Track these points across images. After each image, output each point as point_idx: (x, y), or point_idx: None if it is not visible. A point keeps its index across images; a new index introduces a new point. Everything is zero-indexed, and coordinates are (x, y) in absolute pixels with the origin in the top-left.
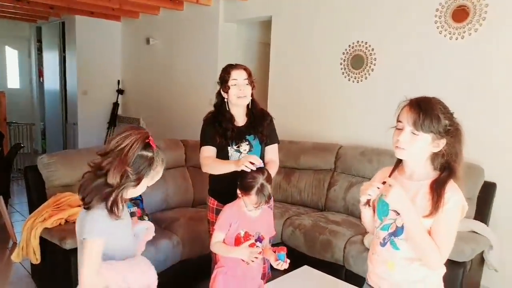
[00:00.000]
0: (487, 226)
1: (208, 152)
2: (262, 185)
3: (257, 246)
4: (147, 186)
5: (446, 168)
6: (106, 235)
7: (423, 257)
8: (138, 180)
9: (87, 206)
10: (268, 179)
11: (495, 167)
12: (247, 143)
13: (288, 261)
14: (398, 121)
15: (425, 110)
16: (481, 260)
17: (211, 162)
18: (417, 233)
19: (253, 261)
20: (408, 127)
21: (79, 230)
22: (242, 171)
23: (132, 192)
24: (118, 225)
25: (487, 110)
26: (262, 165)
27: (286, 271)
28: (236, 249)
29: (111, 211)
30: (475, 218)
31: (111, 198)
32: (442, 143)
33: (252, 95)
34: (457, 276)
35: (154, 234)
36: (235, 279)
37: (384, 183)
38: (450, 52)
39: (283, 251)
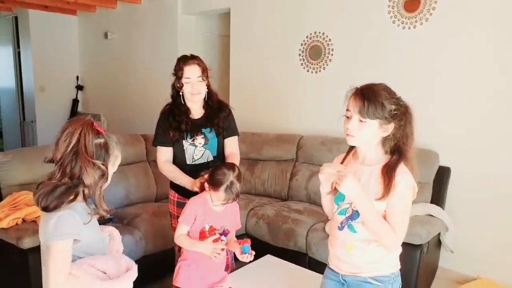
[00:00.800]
0: (443, 209)
1: (165, 154)
2: (231, 182)
3: (221, 240)
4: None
5: (396, 151)
6: (74, 236)
7: (380, 240)
8: (106, 170)
9: (52, 210)
10: (239, 177)
11: (449, 152)
12: (203, 136)
13: (253, 252)
14: (347, 109)
15: (369, 97)
16: (437, 242)
17: (168, 171)
18: (371, 219)
19: (215, 256)
20: (355, 115)
21: (43, 235)
22: (206, 164)
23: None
24: (88, 224)
25: (440, 96)
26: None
27: (249, 261)
28: (200, 244)
29: (97, 208)
30: (431, 202)
31: (96, 196)
32: (390, 127)
33: (208, 86)
34: (415, 258)
35: (119, 236)
36: (198, 271)
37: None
38: (403, 41)
39: (247, 243)
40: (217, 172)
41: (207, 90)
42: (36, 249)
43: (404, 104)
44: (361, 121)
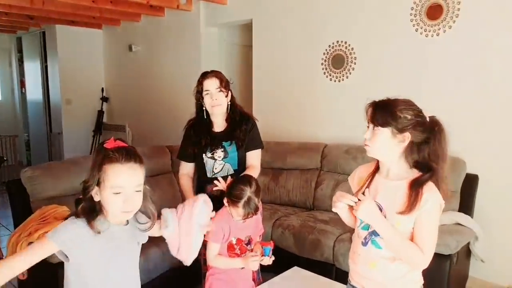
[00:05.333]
0: (471, 217)
1: (184, 168)
2: (249, 198)
3: (248, 250)
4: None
5: (426, 168)
6: (65, 245)
7: (407, 261)
8: (88, 188)
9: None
10: (257, 192)
11: (476, 160)
12: (222, 149)
13: (273, 257)
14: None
15: (381, 106)
16: (467, 251)
17: (181, 185)
18: (394, 242)
19: (256, 263)
20: (371, 125)
21: None
22: (226, 178)
23: (106, 204)
24: (95, 239)
25: (466, 103)
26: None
27: (276, 273)
28: (238, 260)
29: (89, 222)
30: (459, 210)
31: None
32: (406, 137)
33: (232, 99)
34: (444, 269)
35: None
36: (228, 283)
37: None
38: (426, 49)
39: (270, 246)
40: (234, 188)
41: (229, 102)
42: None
43: (432, 119)
44: (374, 130)
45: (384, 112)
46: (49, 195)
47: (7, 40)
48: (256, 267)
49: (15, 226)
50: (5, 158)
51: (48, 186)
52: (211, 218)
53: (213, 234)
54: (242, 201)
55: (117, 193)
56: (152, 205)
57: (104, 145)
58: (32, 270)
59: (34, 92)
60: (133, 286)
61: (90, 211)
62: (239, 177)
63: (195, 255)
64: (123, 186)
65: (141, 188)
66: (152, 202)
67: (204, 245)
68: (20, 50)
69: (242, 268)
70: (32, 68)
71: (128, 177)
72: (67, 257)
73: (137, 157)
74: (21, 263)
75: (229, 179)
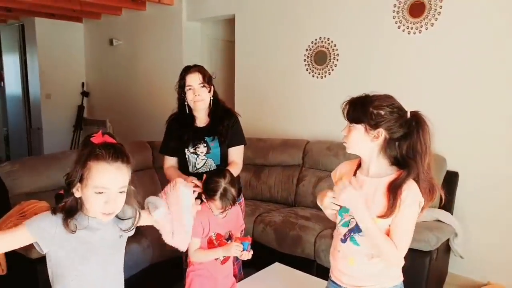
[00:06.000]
0: (451, 214)
1: (168, 162)
2: (225, 189)
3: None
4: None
5: (404, 165)
6: (38, 235)
7: (381, 255)
8: (71, 184)
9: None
10: (232, 182)
11: (456, 157)
12: (205, 145)
13: (251, 251)
14: None
15: (355, 103)
16: (447, 248)
17: (169, 176)
18: (371, 234)
19: (240, 253)
20: (347, 122)
21: None
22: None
23: (86, 202)
24: (71, 235)
25: (446, 100)
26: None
27: (257, 269)
28: (220, 249)
29: (65, 221)
30: (439, 207)
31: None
32: (379, 133)
33: (214, 94)
34: (424, 265)
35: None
36: (210, 279)
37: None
38: (408, 46)
39: (248, 240)
40: (209, 181)
41: (212, 97)
42: (45, 259)
43: (414, 113)
44: (349, 127)
45: (356, 108)
46: (28, 190)
47: None
48: (238, 253)
49: None
50: None
51: (27, 181)
52: (195, 199)
53: (193, 229)
54: (218, 193)
55: (99, 193)
56: (137, 204)
57: (92, 139)
58: (11, 266)
59: (13, 86)
60: (114, 283)
61: (69, 210)
62: (213, 170)
63: (189, 238)
64: (107, 187)
65: (125, 189)
66: (137, 202)
67: None
68: None
69: (223, 263)
70: (11, 62)
71: (113, 178)
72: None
73: (124, 157)
74: None
75: (204, 176)
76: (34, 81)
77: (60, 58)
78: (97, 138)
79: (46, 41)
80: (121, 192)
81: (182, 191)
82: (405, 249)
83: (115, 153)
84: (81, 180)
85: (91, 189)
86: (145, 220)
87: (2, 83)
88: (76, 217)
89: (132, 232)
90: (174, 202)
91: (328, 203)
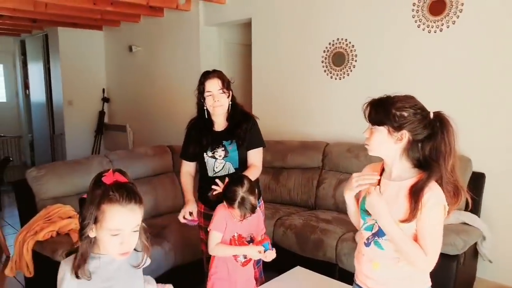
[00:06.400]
0: (478, 217)
1: (186, 167)
2: (243, 198)
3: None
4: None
5: (426, 168)
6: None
7: (409, 261)
8: (86, 227)
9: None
10: (250, 190)
11: (483, 158)
12: (223, 148)
13: (274, 249)
14: None
15: (376, 104)
16: (474, 252)
17: (182, 183)
18: (397, 241)
19: (264, 254)
20: (369, 124)
21: None
22: (227, 176)
23: (101, 243)
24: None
25: (470, 100)
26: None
27: (278, 273)
28: (243, 248)
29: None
30: (465, 209)
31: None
32: (404, 135)
33: (233, 98)
34: (451, 270)
35: None
36: (231, 283)
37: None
38: (429, 45)
39: (266, 241)
40: (227, 190)
41: (230, 102)
42: None
43: (437, 114)
44: (371, 129)
45: (378, 110)
46: (53, 195)
47: (11, 43)
48: (260, 256)
49: (22, 225)
50: (11, 159)
51: (53, 186)
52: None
53: (216, 224)
54: (236, 202)
55: (115, 235)
56: (147, 240)
57: (103, 179)
58: (37, 268)
59: (37, 93)
60: None
61: (83, 256)
62: (232, 178)
63: None
64: (121, 228)
65: (138, 228)
66: (147, 238)
67: (206, 243)
68: (23, 53)
69: (244, 265)
70: (36, 70)
71: (127, 220)
72: None
73: (137, 197)
74: None
75: (227, 180)
76: (57, 88)
77: (81, 65)
78: (108, 178)
79: (68, 50)
80: (134, 231)
81: None
82: (435, 254)
83: (128, 195)
84: (95, 221)
85: (106, 231)
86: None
87: (28, 91)
88: (89, 262)
89: (147, 262)
90: None
91: (351, 186)
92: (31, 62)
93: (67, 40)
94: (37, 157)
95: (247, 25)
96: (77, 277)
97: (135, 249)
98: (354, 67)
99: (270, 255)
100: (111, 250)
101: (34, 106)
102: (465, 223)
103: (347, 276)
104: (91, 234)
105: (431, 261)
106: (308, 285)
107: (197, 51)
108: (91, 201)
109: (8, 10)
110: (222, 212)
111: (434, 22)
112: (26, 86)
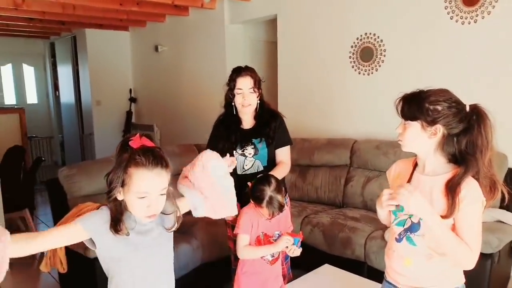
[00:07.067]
0: None
1: None
2: (270, 197)
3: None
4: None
5: (462, 162)
6: (91, 230)
7: (455, 258)
8: (113, 190)
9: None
10: (278, 188)
11: None
12: (253, 146)
13: (301, 249)
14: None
15: (409, 99)
16: (510, 250)
17: None
18: (445, 237)
19: (290, 248)
20: (402, 119)
21: None
22: (256, 174)
23: (129, 206)
24: (118, 238)
25: (506, 94)
26: None
27: (306, 270)
28: (272, 246)
29: (114, 226)
30: (500, 207)
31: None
32: (438, 129)
33: (261, 97)
34: (485, 269)
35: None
36: (258, 280)
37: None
38: (463, 37)
39: (299, 237)
40: (255, 189)
41: (259, 101)
42: None
43: (473, 107)
44: (405, 124)
45: (411, 105)
46: (84, 193)
47: (41, 46)
48: (288, 243)
49: (55, 222)
50: (43, 158)
51: (84, 184)
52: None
53: (242, 226)
54: (265, 201)
55: (142, 197)
56: (176, 205)
57: (130, 143)
58: (71, 264)
59: (67, 94)
60: (165, 276)
61: (117, 213)
62: (258, 178)
63: (233, 202)
64: (148, 192)
65: (165, 192)
66: (176, 202)
67: (234, 240)
68: (53, 55)
69: (272, 263)
70: (65, 72)
71: (154, 183)
72: (95, 244)
73: (163, 161)
74: (41, 240)
75: (250, 184)
76: (86, 89)
77: (108, 66)
78: (135, 142)
79: (96, 51)
80: (161, 195)
81: (212, 163)
82: (478, 250)
83: (155, 159)
84: (122, 185)
85: (133, 194)
86: (183, 209)
87: (57, 92)
88: (124, 219)
89: (175, 227)
90: (205, 177)
91: (385, 202)
92: (60, 64)
93: (94, 41)
94: (68, 156)
95: (272, 22)
96: (116, 231)
97: (163, 213)
98: (382, 62)
99: (296, 251)
100: (138, 213)
101: (64, 107)
102: (499, 221)
103: (376, 274)
104: (119, 197)
105: (476, 258)
106: (336, 283)
107: (222, 49)
108: (118, 164)
109: (38, 13)
110: (246, 214)
111: (468, 13)
112: (56, 87)
